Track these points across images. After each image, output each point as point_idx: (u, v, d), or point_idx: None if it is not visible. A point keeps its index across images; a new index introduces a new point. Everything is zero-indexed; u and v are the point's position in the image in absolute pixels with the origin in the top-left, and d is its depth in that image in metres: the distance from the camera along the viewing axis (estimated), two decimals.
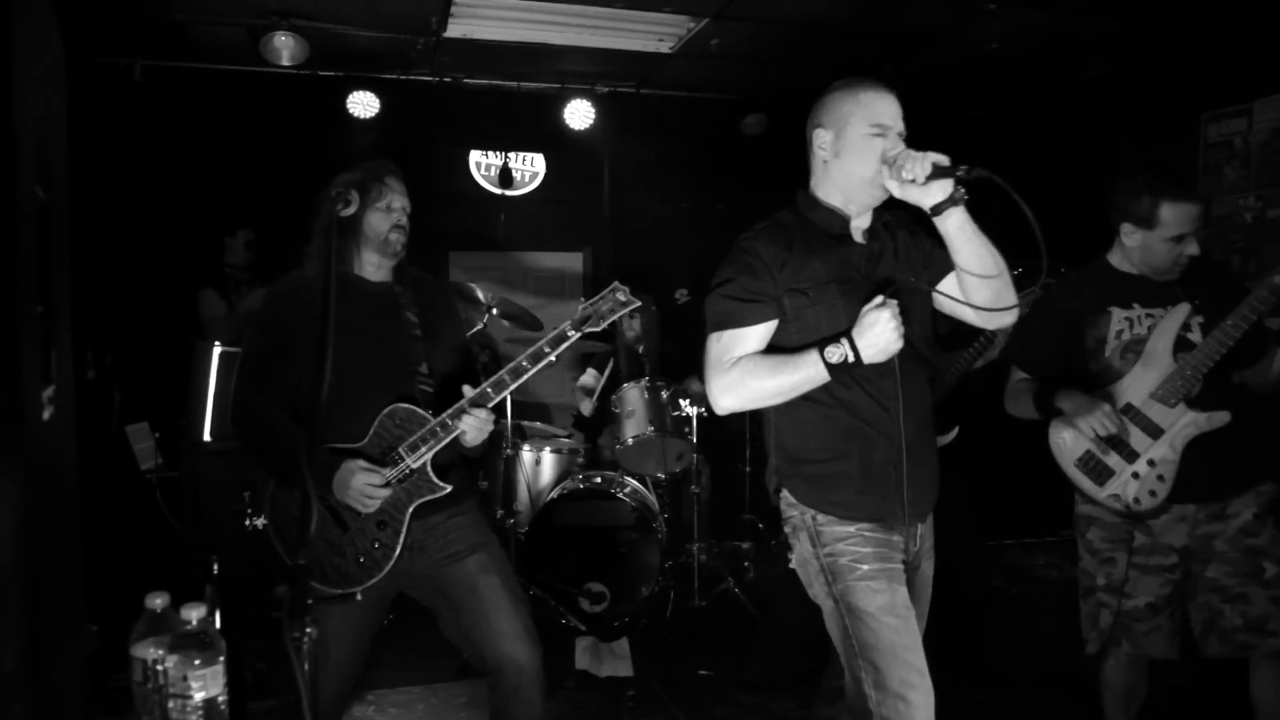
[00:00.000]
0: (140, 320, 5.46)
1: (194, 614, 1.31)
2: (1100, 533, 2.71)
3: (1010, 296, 2.02)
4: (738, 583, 4.65)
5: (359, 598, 2.23)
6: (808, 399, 2.02)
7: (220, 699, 1.33)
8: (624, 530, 4.32)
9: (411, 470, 2.27)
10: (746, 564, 5.04)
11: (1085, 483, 2.66)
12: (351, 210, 2.25)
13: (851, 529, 2.02)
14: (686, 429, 4.57)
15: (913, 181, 1.89)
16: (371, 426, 2.29)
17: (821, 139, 2.07)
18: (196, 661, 1.30)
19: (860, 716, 1.99)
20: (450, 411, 2.27)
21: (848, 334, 1.90)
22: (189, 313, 5.07)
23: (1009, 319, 2.11)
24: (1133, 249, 2.63)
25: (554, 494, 4.44)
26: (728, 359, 2.01)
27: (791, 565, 2.16)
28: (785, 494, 2.14)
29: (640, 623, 4.24)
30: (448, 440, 2.27)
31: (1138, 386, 2.59)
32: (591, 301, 2.34)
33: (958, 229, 1.94)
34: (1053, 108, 6.06)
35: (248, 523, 4.10)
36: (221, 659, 1.33)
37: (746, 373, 1.98)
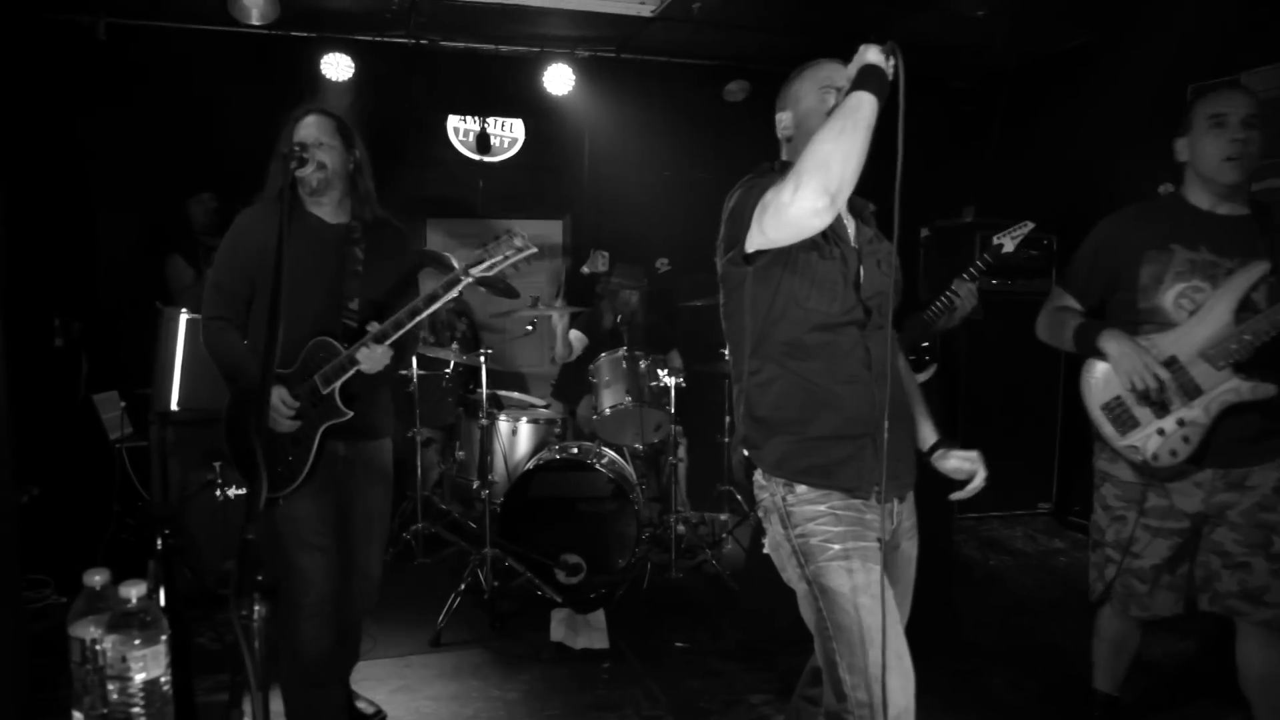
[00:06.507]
0: (108, 287, 5.34)
1: (134, 592, 1.25)
2: (1114, 490, 2.65)
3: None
4: (715, 555, 4.64)
5: (281, 503, 2.54)
6: (780, 366, 1.96)
7: (163, 680, 1.27)
8: (601, 501, 4.28)
9: (322, 396, 2.55)
10: (724, 536, 5.02)
11: (1107, 428, 2.57)
12: (308, 170, 2.56)
13: (823, 508, 1.94)
14: (665, 400, 4.53)
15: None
16: (300, 355, 2.58)
17: (782, 121, 2.10)
18: (137, 641, 1.23)
19: (839, 699, 1.93)
20: (355, 346, 2.52)
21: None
22: (157, 280, 4.96)
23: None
24: (1189, 166, 2.53)
25: (530, 464, 4.39)
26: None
27: (765, 550, 2.10)
28: (758, 475, 2.07)
29: (617, 594, 4.21)
30: (353, 371, 2.52)
31: (1187, 340, 2.45)
32: (486, 247, 2.55)
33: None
34: (1037, 77, 5.98)
35: (218, 493, 4.05)
36: (164, 639, 1.26)
37: (801, 161, 1.73)
